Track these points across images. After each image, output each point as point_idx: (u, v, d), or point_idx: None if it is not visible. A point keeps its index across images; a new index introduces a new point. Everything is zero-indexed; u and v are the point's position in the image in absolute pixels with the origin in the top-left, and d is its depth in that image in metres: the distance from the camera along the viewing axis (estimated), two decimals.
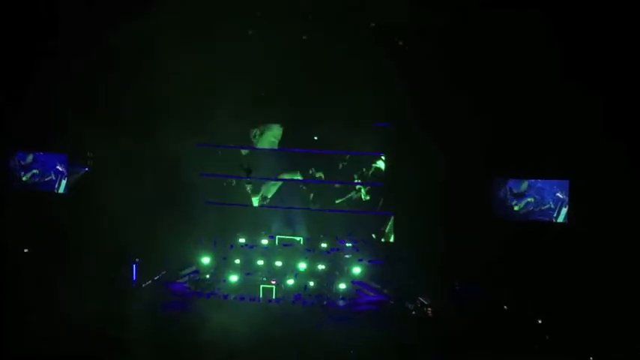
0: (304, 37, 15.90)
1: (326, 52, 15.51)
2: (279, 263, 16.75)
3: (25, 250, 16.28)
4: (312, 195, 17.44)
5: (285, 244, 17.19)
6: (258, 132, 17.22)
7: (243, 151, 17.25)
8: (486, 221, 15.71)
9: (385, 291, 16.67)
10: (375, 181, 17.15)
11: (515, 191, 15.60)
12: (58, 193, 16.98)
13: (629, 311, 13.68)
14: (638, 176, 14.08)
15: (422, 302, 15.72)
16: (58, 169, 17.07)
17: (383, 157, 17.01)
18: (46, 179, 17.02)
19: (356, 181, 17.27)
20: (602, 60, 14.18)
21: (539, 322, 14.86)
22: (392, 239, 17.14)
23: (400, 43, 15.34)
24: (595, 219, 14.73)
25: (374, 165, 17.23)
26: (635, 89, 14.05)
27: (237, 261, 16.83)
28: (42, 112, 15.84)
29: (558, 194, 15.42)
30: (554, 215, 15.22)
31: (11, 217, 16.27)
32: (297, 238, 17.25)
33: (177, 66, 14.70)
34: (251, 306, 16.31)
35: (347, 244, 16.89)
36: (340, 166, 17.23)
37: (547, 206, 15.43)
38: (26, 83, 15.68)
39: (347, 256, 16.89)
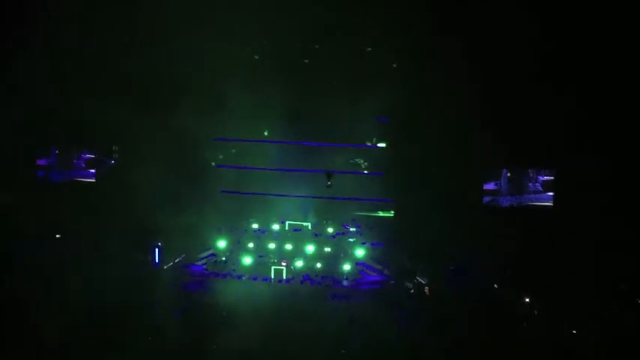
0: (306, 61, 16.59)
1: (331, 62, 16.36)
2: (289, 246, 17.57)
3: (57, 236, 17.22)
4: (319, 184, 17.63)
5: (294, 229, 17.81)
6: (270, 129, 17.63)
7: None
8: (478, 208, 16.40)
9: (386, 271, 17.41)
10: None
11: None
12: (88, 184, 17.76)
13: (604, 284, 14.75)
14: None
15: (420, 282, 16.53)
16: (88, 163, 17.89)
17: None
18: (78, 172, 17.83)
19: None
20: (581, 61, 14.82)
21: (527, 300, 15.49)
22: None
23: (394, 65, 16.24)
24: (577, 204, 15.54)
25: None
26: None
27: (251, 245, 17.73)
28: (73, 113, 16.45)
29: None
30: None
31: (47, 206, 17.08)
32: (306, 224, 17.89)
33: (197, 70, 15.65)
34: (263, 286, 17.30)
35: (351, 229, 17.64)
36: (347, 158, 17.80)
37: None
38: (63, 88, 16.27)
39: (351, 239, 17.66)
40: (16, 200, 17.49)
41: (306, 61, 16.90)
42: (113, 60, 16.19)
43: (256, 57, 17.01)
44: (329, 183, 17.37)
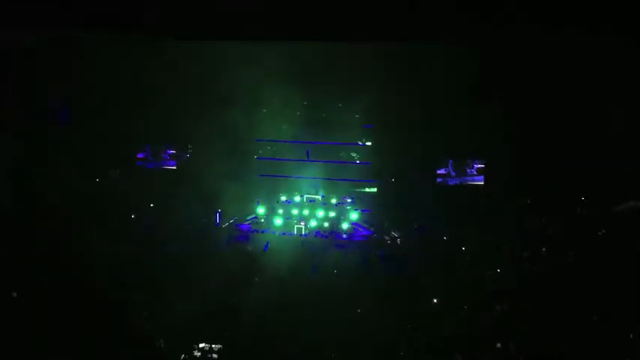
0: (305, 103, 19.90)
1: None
2: (306, 212, 20.74)
3: (151, 205, 21.12)
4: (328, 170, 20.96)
5: (310, 200, 20.82)
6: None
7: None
8: (432, 185, 20.18)
9: (371, 228, 20.56)
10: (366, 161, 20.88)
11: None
12: (172, 171, 21.54)
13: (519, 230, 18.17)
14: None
15: (394, 235, 20.15)
16: (171, 156, 21.58)
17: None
18: (165, 162, 21.69)
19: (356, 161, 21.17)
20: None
21: (463, 248, 18.72)
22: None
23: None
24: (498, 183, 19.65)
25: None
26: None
27: (281, 211, 20.85)
28: (162, 121, 20.45)
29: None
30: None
31: (144, 185, 21.11)
32: (318, 196, 20.84)
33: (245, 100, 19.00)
34: (288, 238, 20.67)
35: (348, 200, 20.81)
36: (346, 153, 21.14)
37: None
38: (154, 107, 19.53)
39: (348, 207, 20.78)
40: (125, 181, 21.19)
41: (305, 103, 19.93)
42: (193, 91, 19.27)
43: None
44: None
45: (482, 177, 19.99)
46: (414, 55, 17.71)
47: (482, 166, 19.99)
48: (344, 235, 20.42)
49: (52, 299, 14.94)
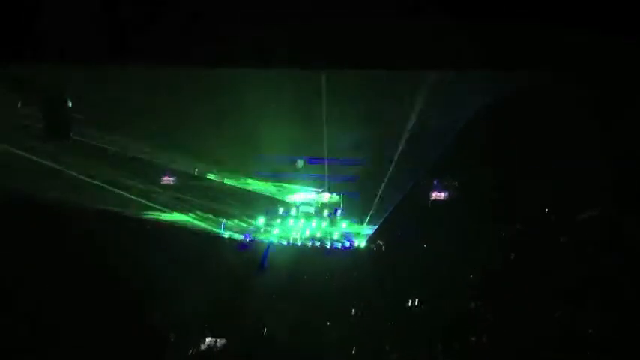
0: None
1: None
2: (301, 223, 22.51)
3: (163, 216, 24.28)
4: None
5: (305, 212, 22.41)
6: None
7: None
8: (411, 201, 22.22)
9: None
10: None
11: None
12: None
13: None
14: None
15: (379, 243, 23.27)
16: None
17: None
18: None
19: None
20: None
21: (439, 254, 22.02)
22: None
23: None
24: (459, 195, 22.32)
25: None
26: None
27: (278, 221, 22.61)
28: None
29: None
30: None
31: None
32: (312, 209, 22.34)
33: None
34: (285, 246, 23.11)
35: (338, 212, 22.41)
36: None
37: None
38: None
39: (338, 218, 22.55)
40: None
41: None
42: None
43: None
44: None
45: (457, 193, 22.33)
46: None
47: (457, 183, 22.24)
48: (336, 243, 22.90)
49: (74, 298, 17.47)
